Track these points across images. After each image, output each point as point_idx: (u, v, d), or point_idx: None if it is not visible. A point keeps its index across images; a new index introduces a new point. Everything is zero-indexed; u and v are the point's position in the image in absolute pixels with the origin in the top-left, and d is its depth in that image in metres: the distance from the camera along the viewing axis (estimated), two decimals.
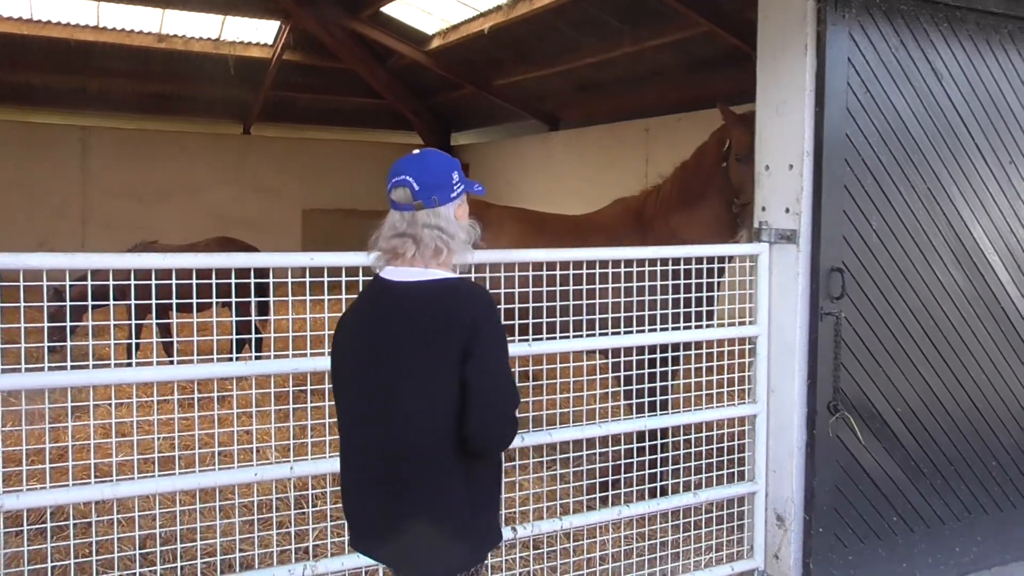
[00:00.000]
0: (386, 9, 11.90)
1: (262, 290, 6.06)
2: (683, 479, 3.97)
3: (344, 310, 2.45)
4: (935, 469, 4.33)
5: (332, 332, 2.51)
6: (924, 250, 4.19)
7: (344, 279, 3.19)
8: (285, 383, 5.22)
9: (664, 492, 4.14)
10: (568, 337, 3.65)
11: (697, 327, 4.04)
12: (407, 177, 2.30)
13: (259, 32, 13.21)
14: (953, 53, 4.18)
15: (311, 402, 3.23)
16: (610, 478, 3.99)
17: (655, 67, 10.58)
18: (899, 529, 4.23)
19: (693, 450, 3.98)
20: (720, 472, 4.12)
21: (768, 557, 4.15)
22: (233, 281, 3.09)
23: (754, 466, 4.08)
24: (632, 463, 4.26)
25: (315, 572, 3.07)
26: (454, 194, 2.36)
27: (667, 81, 10.80)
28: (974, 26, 4.23)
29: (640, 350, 3.85)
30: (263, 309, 7.86)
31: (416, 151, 2.42)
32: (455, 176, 2.38)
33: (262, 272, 3.41)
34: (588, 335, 3.76)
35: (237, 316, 6.57)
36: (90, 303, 7.22)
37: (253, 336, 7.40)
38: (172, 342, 7.46)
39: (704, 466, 4.03)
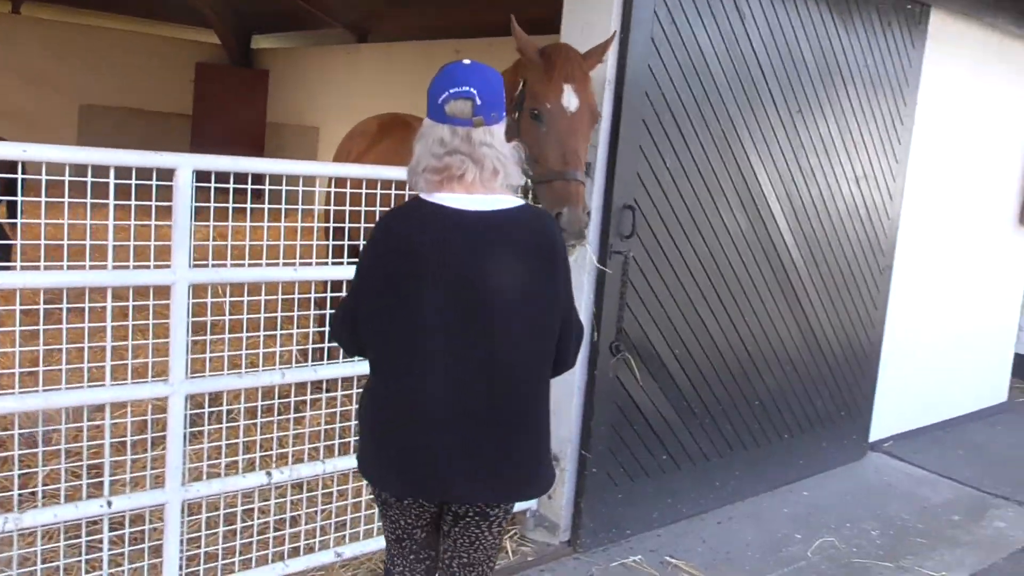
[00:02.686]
0: None
1: (10, 188, 5.25)
2: None
3: (371, 243, 2.15)
4: (705, 409, 4.43)
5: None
6: (713, 193, 4.19)
7: (112, 181, 2.66)
8: (35, 298, 4.50)
9: None
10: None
11: None
12: (471, 89, 2.08)
13: None
14: None
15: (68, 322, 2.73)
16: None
17: None
18: (667, 467, 4.31)
19: None
20: None
21: (541, 497, 4.08)
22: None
23: None
24: None
25: (20, 525, 2.60)
26: (504, 113, 2.18)
27: (480, 2, 10.40)
28: None
29: None
30: (12, 210, 6.87)
31: (467, 61, 2.16)
32: (503, 93, 2.19)
33: (9, 167, 2.75)
34: None
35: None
36: None
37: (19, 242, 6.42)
38: None
39: None
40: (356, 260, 2.31)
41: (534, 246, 2.13)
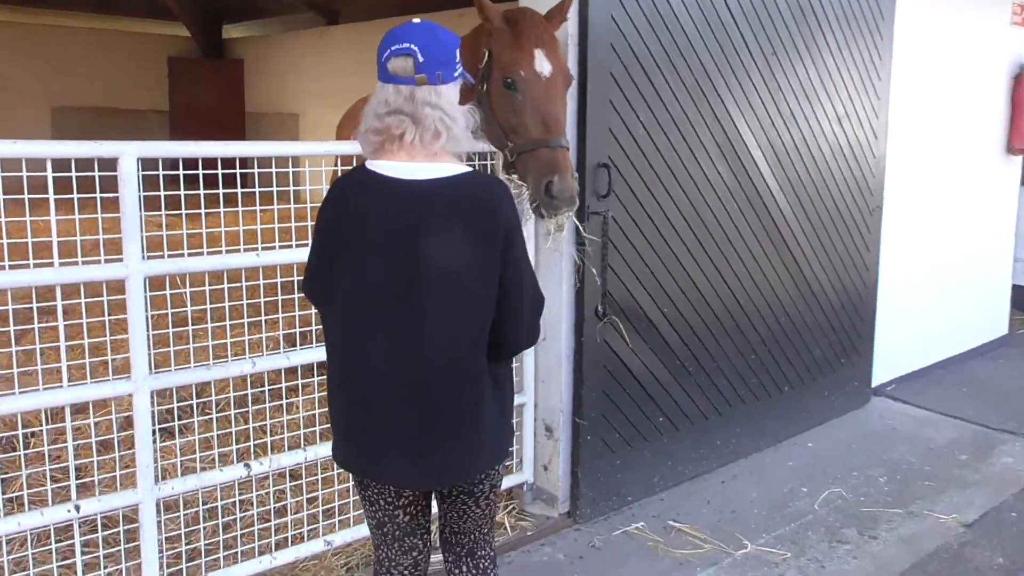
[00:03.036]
0: None
1: None
2: None
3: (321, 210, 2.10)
4: (699, 366, 4.32)
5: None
6: (691, 144, 4.05)
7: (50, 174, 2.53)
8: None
9: None
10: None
11: None
12: (411, 46, 1.99)
13: None
14: None
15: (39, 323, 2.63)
16: None
17: None
18: (664, 428, 4.21)
19: None
20: None
21: (537, 469, 3.99)
22: None
23: (522, 378, 3.85)
24: None
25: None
26: (456, 73, 2.07)
27: None
28: None
29: None
30: None
31: (416, 20, 2.07)
32: (457, 54, 2.08)
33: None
34: None
35: None
36: None
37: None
38: None
39: None
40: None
41: (473, 216, 2.01)
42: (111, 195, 2.64)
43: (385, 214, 2.00)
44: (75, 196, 2.59)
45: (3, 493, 2.62)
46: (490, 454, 2.17)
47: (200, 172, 2.83)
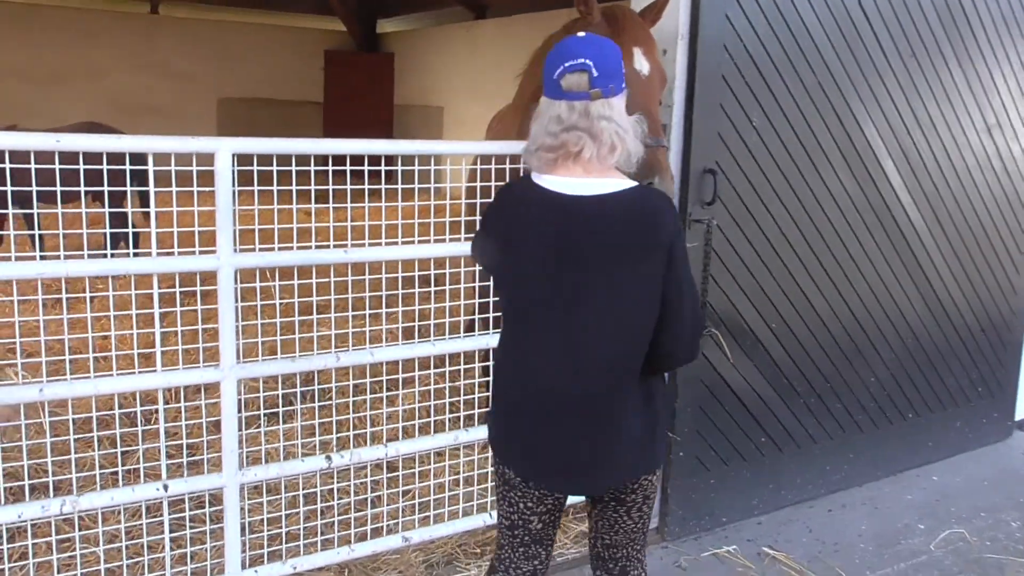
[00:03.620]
0: None
1: (141, 180, 5.49)
2: None
3: (489, 224, 2.18)
4: (810, 387, 4.07)
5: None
6: (810, 151, 3.80)
7: (195, 168, 2.73)
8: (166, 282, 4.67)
9: None
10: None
11: None
12: (586, 61, 2.00)
13: None
14: None
15: (181, 305, 2.82)
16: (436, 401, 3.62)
17: None
18: (767, 449, 3.99)
19: None
20: None
21: None
22: (104, 167, 2.57)
23: None
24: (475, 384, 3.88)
25: (77, 508, 2.68)
26: (623, 84, 2.08)
27: None
28: None
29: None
30: (144, 201, 7.26)
31: (581, 34, 2.09)
32: (622, 64, 2.09)
33: (140, 159, 2.84)
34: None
35: (111, 207, 5.98)
36: None
37: (130, 230, 6.77)
38: (35, 235, 6.92)
39: None
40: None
41: (639, 233, 2.01)
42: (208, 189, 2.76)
43: (554, 230, 2.02)
44: (173, 189, 2.71)
45: (99, 468, 2.79)
46: (637, 462, 2.17)
47: (328, 168, 2.90)
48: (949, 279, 4.48)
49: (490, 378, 2.40)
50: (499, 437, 2.25)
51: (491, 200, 2.24)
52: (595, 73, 1.99)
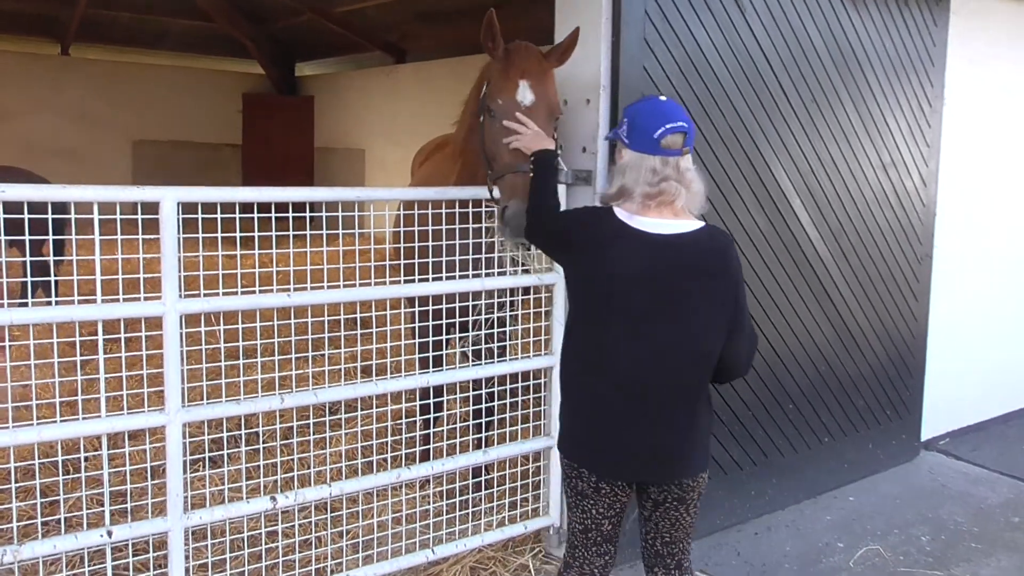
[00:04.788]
0: None
1: (55, 227, 5.39)
2: (472, 437, 3.73)
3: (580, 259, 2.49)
4: (734, 417, 4.29)
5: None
6: (726, 192, 4.06)
7: (140, 216, 2.78)
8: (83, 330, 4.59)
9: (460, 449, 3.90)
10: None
11: (488, 275, 3.70)
12: (684, 124, 2.42)
13: None
14: None
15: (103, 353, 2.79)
16: (390, 439, 3.69)
17: None
18: None
19: (484, 406, 3.74)
20: (513, 428, 3.90)
21: (563, 513, 4.00)
22: (26, 216, 2.56)
23: (550, 420, 3.88)
24: (420, 421, 3.97)
25: (19, 557, 2.64)
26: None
27: (511, 12, 10.36)
28: None
29: (422, 300, 3.55)
30: (57, 249, 7.10)
31: (663, 97, 2.58)
32: None
33: (60, 207, 2.83)
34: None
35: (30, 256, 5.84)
36: None
37: (53, 279, 6.60)
38: None
39: (497, 422, 3.80)
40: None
41: (716, 264, 2.42)
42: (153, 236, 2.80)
43: (651, 263, 2.38)
44: (119, 237, 2.75)
45: (41, 516, 2.76)
46: (702, 458, 2.55)
47: (252, 216, 2.97)
48: (855, 307, 4.79)
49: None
50: (579, 442, 2.53)
51: (579, 218, 2.59)
52: (688, 134, 2.42)
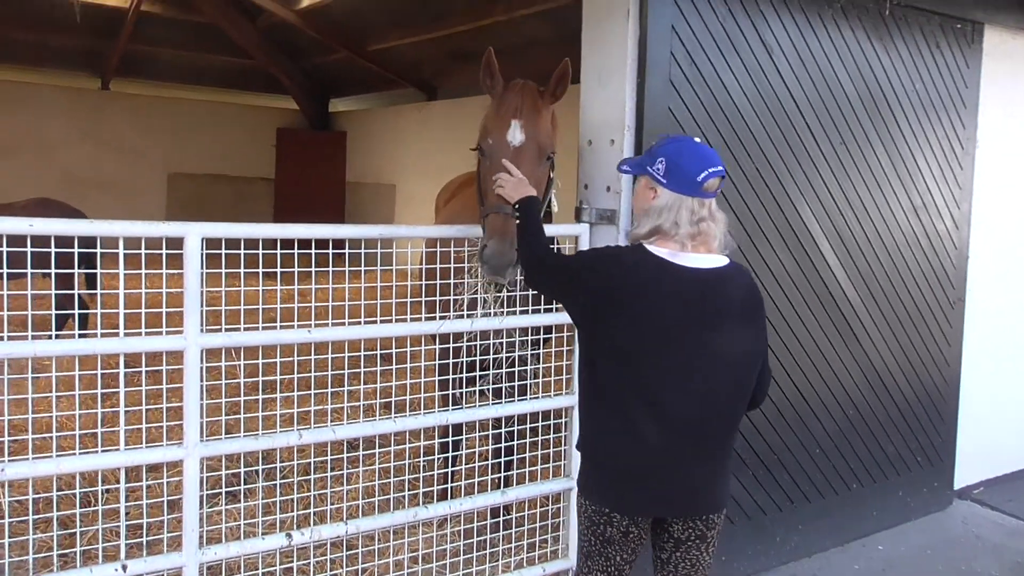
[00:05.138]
0: None
1: (89, 260, 5.47)
2: (491, 476, 3.69)
3: (624, 289, 2.45)
4: (758, 460, 4.20)
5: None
6: (751, 233, 4.02)
7: (165, 251, 2.78)
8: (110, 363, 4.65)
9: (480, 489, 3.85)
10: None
11: (511, 313, 3.67)
12: (723, 168, 2.49)
13: None
14: (784, 26, 3.99)
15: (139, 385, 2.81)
16: (406, 477, 3.67)
17: (530, 37, 10.26)
18: None
19: (503, 445, 3.71)
20: (533, 468, 3.85)
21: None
22: (53, 250, 2.61)
23: (570, 461, 3.83)
24: (438, 459, 3.94)
25: None
26: None
27: (543, 51, 10.45)
28: None
29: (442, 337, 3.53)
30: (91, 282, 7.21)
31: (698, 139, 2.61)
32: None
33: (90, 242, 2.87)
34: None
35: (58, 288, 5.94)
36: None
37: (76, 312, 6.72)
38: None
39: (517, 462, 3.76)
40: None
41: (743, 299, 2.50)
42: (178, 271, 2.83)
43: (698, 297, 2.42)
44: (143, 272, 2.78)
45: (59, 549, 2.76)
46: (725, 493, 2.59)
47: (275, 251, 2.99)
48: (885, 352, 4.70)
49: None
50: (613, 486, 2.51)
51: (608, 263, 2.53)
52: (724, 177, 2.51)
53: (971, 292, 5.17)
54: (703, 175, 2.43)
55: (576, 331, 2.81)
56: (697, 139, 2.59)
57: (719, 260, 2.48)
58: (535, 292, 2.91)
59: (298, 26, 12.21)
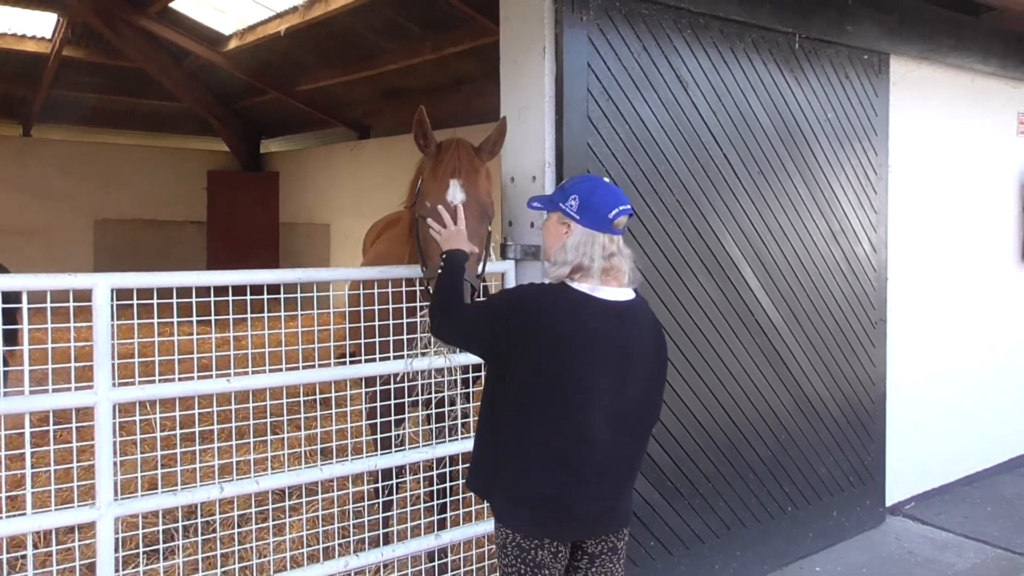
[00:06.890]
0: (175, 6, 11.02)
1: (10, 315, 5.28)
2: (424, 520, 3.63)
3: (545, 322, 2.49)
4: (693, 489, 4.22)
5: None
6: (675, 263, 4.08)
7: (72, 304, 2.68)
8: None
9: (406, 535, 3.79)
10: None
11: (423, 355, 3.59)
12: (631, 206, 2.61)
13: (35, 25, 11.95)
14: (698, 60, 4.09)
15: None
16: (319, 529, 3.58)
17: (458, 75, 10.34)
18: (657, 553, 4.08)
19: (435, 488, 3.65)
20: (468, 510, 3.81)
21: None
22: None
23: None
24: (369, 506, 3.85)
25: None
26: None
27: (472, 89, 10.59)
28: (718, 33, 4.17)
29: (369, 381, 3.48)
30: (10, 338, 6.94)
31: (607, 179, 2.71)
32: None
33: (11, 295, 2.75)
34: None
35: None
36: None
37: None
38: None
39: (451, 504, 3.71)
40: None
41: (652, 329, 2.65)
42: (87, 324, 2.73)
43: (617, 326, 2.53)
44: (48, 326, 2.68)
45: None
46: (631, 506, 2.75)
47: (210, 299, 2.92)
48: (812, 375, 4.79)
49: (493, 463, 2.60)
50: (544, 514, 2.54)
51: (532, 302, 2.56)
52: (631, 215, 2.62)
53: (892, 313, 5.32)
54: (614, 212, 2.54)
55: (487, 370, 2.76)
56: (607, 179, 2.71)
57: (628, 293, 2.60)
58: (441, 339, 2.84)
59: (225, 68, 12.10)
